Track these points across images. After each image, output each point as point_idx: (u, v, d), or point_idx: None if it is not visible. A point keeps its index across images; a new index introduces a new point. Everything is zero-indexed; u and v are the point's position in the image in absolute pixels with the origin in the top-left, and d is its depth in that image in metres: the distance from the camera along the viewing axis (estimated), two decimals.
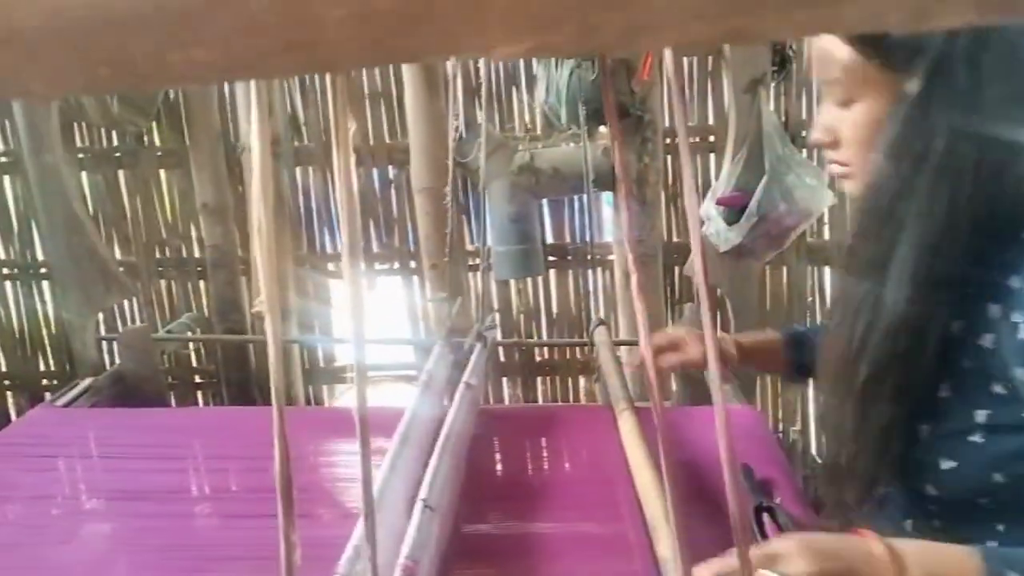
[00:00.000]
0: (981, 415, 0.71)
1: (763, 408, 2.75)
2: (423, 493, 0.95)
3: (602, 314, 2.81)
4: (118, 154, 2.73)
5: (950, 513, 0.76)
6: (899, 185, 0.70)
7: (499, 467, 1.43)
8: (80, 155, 2.71)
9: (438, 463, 1.05)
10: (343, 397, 2.88)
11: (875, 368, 0.73)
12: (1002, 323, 0.68)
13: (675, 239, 2.69)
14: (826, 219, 2.59)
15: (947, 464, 0.70)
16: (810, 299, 2.72)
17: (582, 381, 2.93)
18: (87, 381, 1.86)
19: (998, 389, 0.70)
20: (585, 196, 2.49)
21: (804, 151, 2.36)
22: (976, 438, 0.72)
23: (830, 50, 0.73)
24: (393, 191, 2.74)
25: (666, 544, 0.66)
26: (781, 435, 2.74)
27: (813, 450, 2.79)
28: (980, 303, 0.70)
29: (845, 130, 0.75)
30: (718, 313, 2.69)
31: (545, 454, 1.48)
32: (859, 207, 0.76)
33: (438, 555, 1.01)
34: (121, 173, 2.75)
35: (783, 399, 2.76)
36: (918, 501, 0.77)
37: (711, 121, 2.62)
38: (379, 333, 2.68)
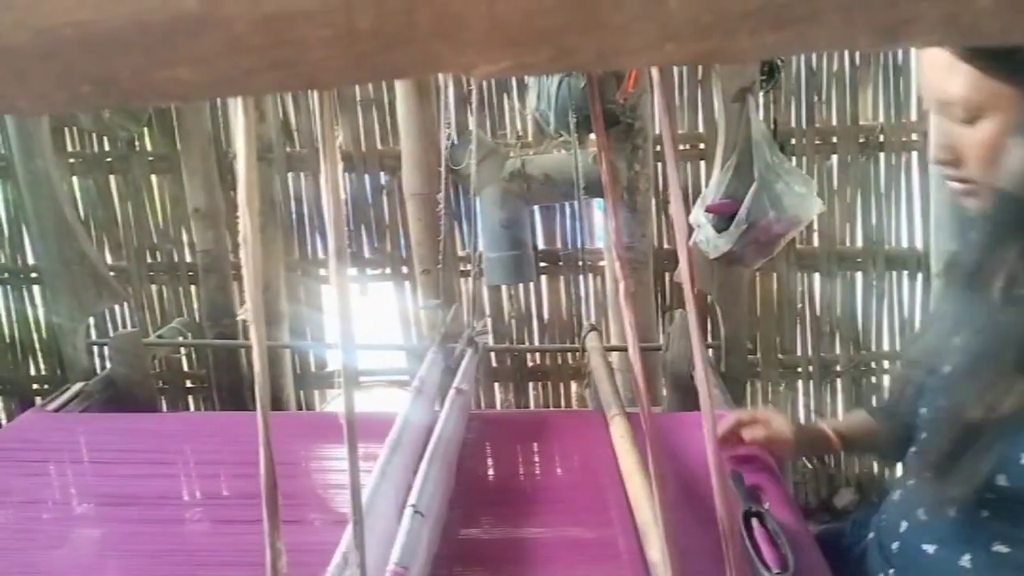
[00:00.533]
0: None
1: None
2: (413, 499, 0.96)
3: (593, 320, 2.82)
4: (109, 159, 2.72)
5: (1003, 505, 0.77)
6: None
7: (491, 472, 1.44)
8: (71, 160, 2.70)
9: (428, 469, 1.06)
10: (334, 402, 2.88)
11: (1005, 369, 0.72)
12: None
13: (666, 246, 2.70)
14: (815, 226, 2.61)
15: (1001, 479, 0.71)
16: (800, 306, 2.73)
17: (574, 386, 2.93)
18: (78, 386, 1.85)
19: None
20: (576, 203, 2.50)
21: (793, 159, 2.38)
22: None
23: (946, 67, 0.72)
24: (385, 197, 2.74)
25: (656, 548, 0.66)
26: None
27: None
28: None
29: (968, 148, 0.74)
30: (708, 320, 2.70)
31: (537, 459, 1.48)
32: (991, 219, 0.74)
33: (428, 561, 1.02)
34: (112, 178, 2.75)
35: (772, 406, 2.77)
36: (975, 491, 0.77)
37: (701, 128, 2.63)
38: (371, 338, 2.68)
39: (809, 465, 2.79)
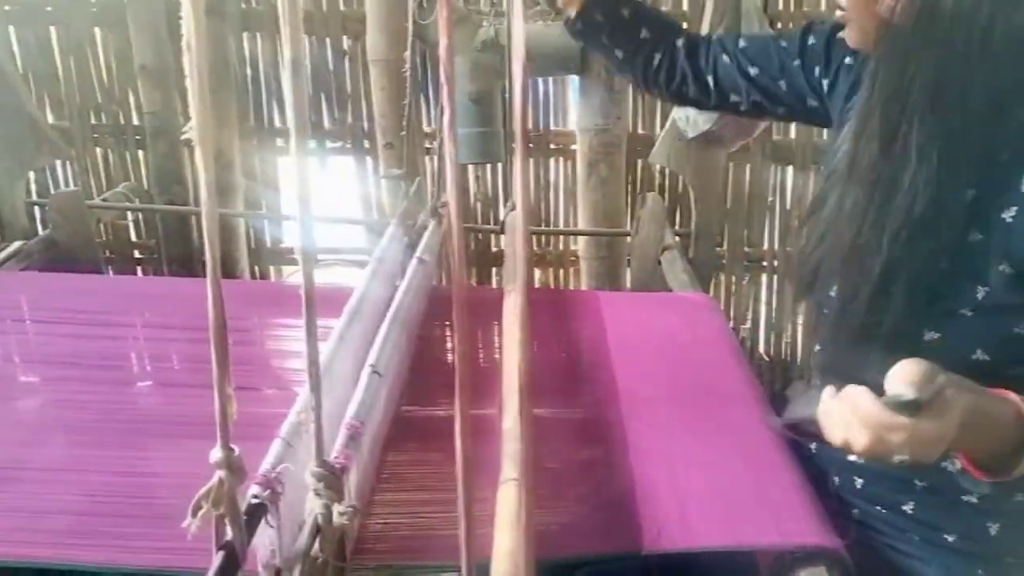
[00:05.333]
0: (980, 291, 0.69)
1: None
2: (371, 359, 0.91)
3: (563, 204, 2.78)
4: (49, 8, 2.52)
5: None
6: (910, 58, 0.67)
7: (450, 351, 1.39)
8: (7, 7, 2.49)
9: (388, 332, 1.00)
10: (290, 280, 2.80)
11: (895, 245, 0.70)
12: None
13: (640, 131, 2.62)
14: None
15: (930, 335, 0.68)
16: (770, 199, 2.69)
17: (537, 272, 2.89)
18: (16, 244, 1.75)
19: (1004, 267, 0.68)
20: (552, 79, 2.39)
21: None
22: (966, 311, 0.69)
23: None
24: (347, 64, 2.59)
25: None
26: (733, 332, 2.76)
27: (762, 348, 2.82)
28: (1010, 173, 0.66)
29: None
30: (678, 207, 2.65)
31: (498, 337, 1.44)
32: (873, 86, 0.71)
33: (386, 421, 0.98)
34: (53, 29, 2.55)
35: (735, 298, 2.77)
36: None
37: (685, 7, 2.50)
38: (329, 214, 2.58)
39: (766, 358, 2.82)
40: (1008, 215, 0.67)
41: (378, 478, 0.92)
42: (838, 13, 0.77)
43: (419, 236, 1.51)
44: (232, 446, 0.49)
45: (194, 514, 0.50)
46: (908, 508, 0.81)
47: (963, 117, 0.66)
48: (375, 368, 0.90)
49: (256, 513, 0.58)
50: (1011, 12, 0.64)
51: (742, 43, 1.00)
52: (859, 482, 0.86)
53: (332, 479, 0.60)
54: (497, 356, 1.39)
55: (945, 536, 0.78)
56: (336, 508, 0.60)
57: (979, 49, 0.64)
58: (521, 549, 0.46)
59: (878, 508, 0.84)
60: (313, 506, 0.61)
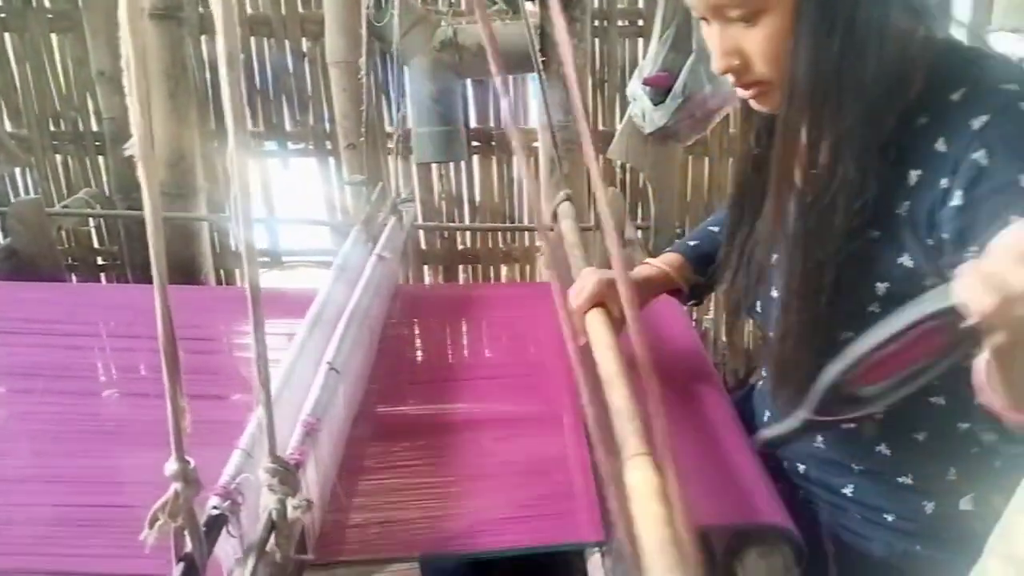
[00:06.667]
0: (881, 287, 0.72)
1: None
2: (328, 356, 0.92)
3: (526, 201, 2.79)
4: (3, 15, 2.49)
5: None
6: (821, 72, 0.68)
7: (419, 349, 1.41)
8: None
9: (345, 330, 1.02)
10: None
11: (802, 244, 0.73)
12: (922, 188, 0.67)
13: (600, 127, 2.65)
14: None
15: (846, 335, 0.71)
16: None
17: (504, 270, 2.92)
18: None
19: (904, 260, 0.70)
20: (511, 77, 2.40)
21: None
22: (874, 308, 0.72)
23: None
24: (307, 65, 2.60)
25: (619, 395, 0.64)
26: (695, 323, 2.80)
27: (724, 338, 2.87)
28: (900, 169, 0.69)
29: (754, 48, 0.71)
30: (639, 201, 2.69)
31: (465, 334, 1.46)
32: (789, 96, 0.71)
33: (347, 419, 0.99)
34: (8, 37, 2.53)
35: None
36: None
37: (640, 4, 2.54)
38: (292, 215, 2.58)
39: (728, 347, 2.86)
40: (902, 210, 0.69)
41: (341, 475, 0.94)
42: (741, 92, 0.77)
43: (379, 231, 1.51)
44: (187, 458, 0.50)
45: (151, 526, 0.51)
46: (848, 491, 0.85)
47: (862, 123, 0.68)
48: (332, 365, 0.91)
49: (216, 524, 0.58)
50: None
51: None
52: (802, 468, 0.90)
53: (286, 474, 0.61)
54: (466, 354, 1.42)
55: (884, 516, 0.82)
56: (291, 502, 0.61)
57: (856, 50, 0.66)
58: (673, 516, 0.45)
59: (821, 491, 0.88)
60: (267, 502, 0.62)
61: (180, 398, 0.49)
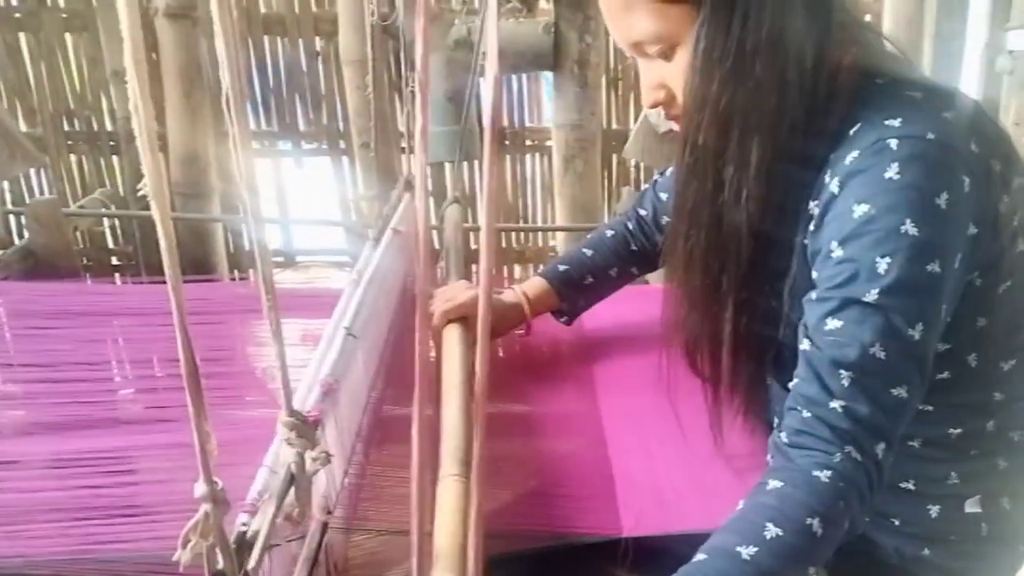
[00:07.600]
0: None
1: None
2: (346, 322, 0.91)
3: (540, 200, 2.78)
4: (18, 15, 2.50)
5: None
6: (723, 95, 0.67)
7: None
8: None
9: (363, 295, 1.00)
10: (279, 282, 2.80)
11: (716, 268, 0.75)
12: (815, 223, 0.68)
13: (615, 126, 2.64)
14: None
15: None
16: None
17: (517, 269, 2.91)
18: None
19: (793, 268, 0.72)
20: (526, 76, 2.40)
21: None
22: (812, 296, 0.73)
23: (624, 7, 0.69)
24: (320, 64, 2.59)
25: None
26: None
27: None
28: (803, 206, 0.70)
29: (674, 81, 0.71)
30: None
31: None
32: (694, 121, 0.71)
33: (365, 382, 0.98)
34: (23, 36, 2.53)
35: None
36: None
37: None
38: (307, 215, 2.59)
39: None
40: (804, 239, 0.70)
41: (360, 440, 0.93)
42: (673, 125, 0.77)
43: (393, 208, 1.49)
44: (215, 479, 0.50)
45: (183, 546, 0.52)
46: None
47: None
48: (349, 331, 0.90)
49: (245, 541, 0.58)
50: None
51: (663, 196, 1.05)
52: None
53: (304, 428, 0.60)
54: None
55: (891, 520, 0.81)
56: (309, 454, 0.60)
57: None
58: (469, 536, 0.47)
59: None
60: (285, 456, 0.61)
61: (205, 423, 0.48)
